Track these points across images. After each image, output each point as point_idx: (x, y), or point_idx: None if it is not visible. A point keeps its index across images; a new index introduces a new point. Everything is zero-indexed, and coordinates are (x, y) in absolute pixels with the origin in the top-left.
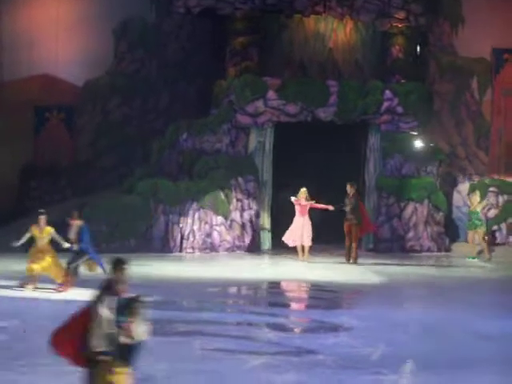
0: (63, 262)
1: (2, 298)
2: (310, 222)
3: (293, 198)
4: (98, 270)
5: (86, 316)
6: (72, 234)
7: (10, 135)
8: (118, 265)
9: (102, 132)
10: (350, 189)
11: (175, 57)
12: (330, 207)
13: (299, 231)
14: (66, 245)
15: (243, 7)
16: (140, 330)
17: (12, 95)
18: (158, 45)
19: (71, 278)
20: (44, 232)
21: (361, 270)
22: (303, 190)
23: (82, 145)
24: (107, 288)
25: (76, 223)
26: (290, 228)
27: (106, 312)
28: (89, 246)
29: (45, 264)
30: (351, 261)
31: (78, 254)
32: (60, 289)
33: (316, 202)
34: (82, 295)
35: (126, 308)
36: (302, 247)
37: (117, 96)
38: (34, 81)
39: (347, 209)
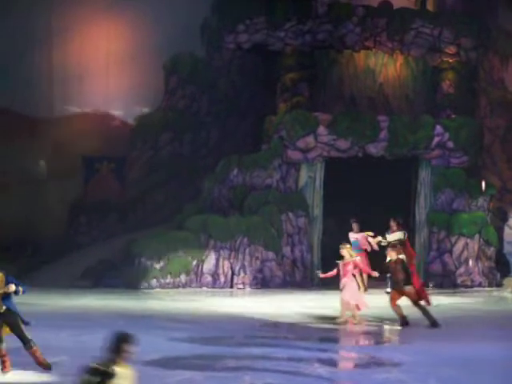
0: None
1: (51, 335)
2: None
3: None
4: None
5: None
6: None
7: (60, 170)
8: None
9: (153, 168)
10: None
11: (225, 92)
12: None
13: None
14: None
15: (293, 43)
16: None
17: (62, 130)
18: (208, 80)
19: None
20: None
21: (410, 305)
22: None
23: (132, 180)
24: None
25: None
26: (353, 291)
27: None
28: None
29: None
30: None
31: None
32: None
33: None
34: None
35: None
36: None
37: (167, 132)
38: (85, 116)
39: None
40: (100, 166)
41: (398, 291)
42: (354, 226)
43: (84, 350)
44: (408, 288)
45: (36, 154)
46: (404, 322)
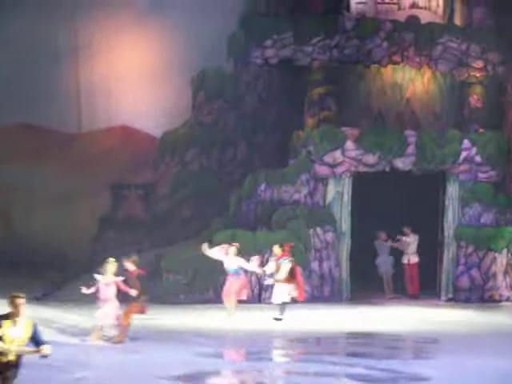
0: None
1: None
2: None
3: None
4: None
5: None
6: None
7: (88, 186)
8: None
9: (180, 183)
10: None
11: (253, 107)
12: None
13: None
14: None
15: (321, 58)
16: None
17: (89, 146)
18: (235, 95)
19: None
20: None
21: (438, 320)
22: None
23: (160, 195)
24: None
25: None
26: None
27: None
28: None
29: None
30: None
31: None
32: None
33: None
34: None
35: None
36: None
37: (195, 147)
38: (112, 132)
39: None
40: (128, 193)
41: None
42: None
43: (110, 367)
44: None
45: (63, 170)
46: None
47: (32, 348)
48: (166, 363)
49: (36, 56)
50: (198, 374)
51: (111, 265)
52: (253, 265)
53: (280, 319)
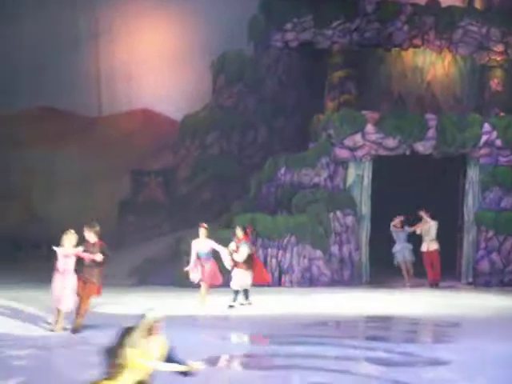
0: None
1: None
2: None
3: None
4: None
5: None
6: None
7: (108, 170)
8: None
9: (200, 167)
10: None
11: (273, 91)
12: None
13: None
14: None
15: (341, 41)
16: None
17: (110, 130)
18: (255, 79)
19: None
20: None
21: (458, 304)
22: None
23: (180, 179)
24: None
25: None
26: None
27: None
28: None
29: None
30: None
31: None
32: None
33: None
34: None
35: None
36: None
37: (215, 130)
38: (133, 115)
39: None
40: (148, 180)
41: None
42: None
43: None
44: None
45: (84, 153)
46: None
47: (182, 366)
48: (190, 347)
49: (58, 42)
50: (214, 357)
51: (71, 236)
52: (223, 247)
53: (232, 306)
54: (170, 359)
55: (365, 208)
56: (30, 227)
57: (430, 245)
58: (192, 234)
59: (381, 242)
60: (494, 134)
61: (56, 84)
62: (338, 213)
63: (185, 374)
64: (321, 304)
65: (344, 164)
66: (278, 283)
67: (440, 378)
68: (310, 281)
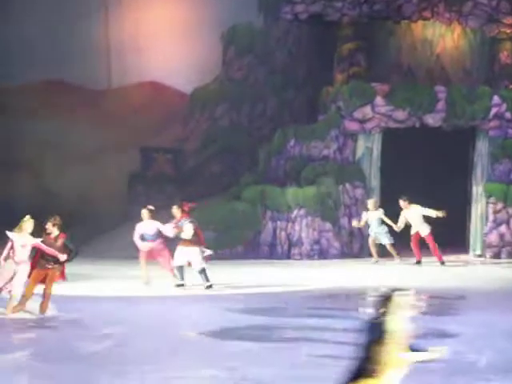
0: None
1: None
2: None
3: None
4: None
5: None
6: None
7: (117, 142)
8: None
9: (210, 139)
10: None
11: (283, 63)
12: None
13: None
14: None
15: (350, 13)
16: None
17: (120, 102)
18: (265, 51)
19: None
20: None
21: (466, 276)
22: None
23: (190, 151)
24: None
25: None
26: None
27: None
28: None
29: None
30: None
31: None
32: None
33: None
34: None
35: None
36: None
37: (225, 103)
38: (142, 88)
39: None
40: (157, 156)
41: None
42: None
43: (136, 321)
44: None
45: (94, 126)
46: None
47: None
48: (194, 318)
49: (67, 15)
50: (224, 329)
51: (28, 223)
52: (169, 227)
53: (182, 285)
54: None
55: (374, 180)
56: (40, 200)
57: (419, 230)
58: (202, 206)
59: (390, 215)
60: (504, 106)
61: (66, 57)
62: (348, 185)
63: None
64: (330, 276)
65: (353, 136)
66: (287, 256)
67: (449, 351)
68: (319, 253)
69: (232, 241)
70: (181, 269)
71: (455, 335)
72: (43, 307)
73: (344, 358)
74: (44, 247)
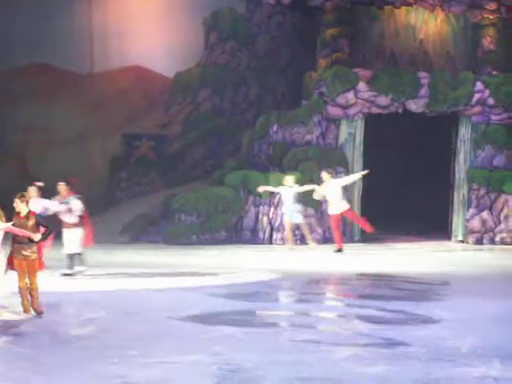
0: None
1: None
2: None
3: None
4: None
5: None
6: None
7: (100, 126)
8: None
9: (192, 124)
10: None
11: (265, 48)
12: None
13: None
14: None
15: None
16: None
17: (103, 86)
18: (248, 36)
19: None
20: None
21: (449, 262)
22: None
23: (172, 136)
24: None
25: None
26: None
27: None
28: None
29: None
30: None
31: None
32: None
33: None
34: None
35: None
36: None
37: (207, 87)
38: (125, 72)
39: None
40: (140, 144)
41: None
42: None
43: (121, 307)
44: None
45: (77, 110)
46: None
47: None
48: (177, 304)
49: None
50: (207, 314)
51: None
52: (55, 204)
53: (70, 274)
54: None
55: (357, 166)
56: (24, 185)
57: (341, 206)
58: (184, 191)
59: (373, 200)
60: (487, 92)
61: (49, 40)
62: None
63: None
64: (312, 262)
65: (336, 122)
66: (270, 241)
67: (431, 336)
68: (301, 238)
69: (215, 226)
70: (72, 257)
71: (438, 321)
72: (35, 306)
73: (326, 343)
74: (16, 230)
